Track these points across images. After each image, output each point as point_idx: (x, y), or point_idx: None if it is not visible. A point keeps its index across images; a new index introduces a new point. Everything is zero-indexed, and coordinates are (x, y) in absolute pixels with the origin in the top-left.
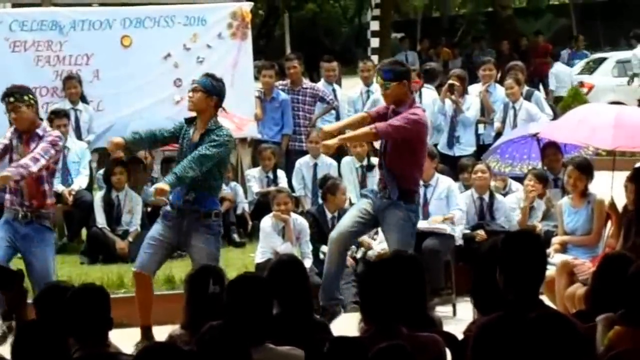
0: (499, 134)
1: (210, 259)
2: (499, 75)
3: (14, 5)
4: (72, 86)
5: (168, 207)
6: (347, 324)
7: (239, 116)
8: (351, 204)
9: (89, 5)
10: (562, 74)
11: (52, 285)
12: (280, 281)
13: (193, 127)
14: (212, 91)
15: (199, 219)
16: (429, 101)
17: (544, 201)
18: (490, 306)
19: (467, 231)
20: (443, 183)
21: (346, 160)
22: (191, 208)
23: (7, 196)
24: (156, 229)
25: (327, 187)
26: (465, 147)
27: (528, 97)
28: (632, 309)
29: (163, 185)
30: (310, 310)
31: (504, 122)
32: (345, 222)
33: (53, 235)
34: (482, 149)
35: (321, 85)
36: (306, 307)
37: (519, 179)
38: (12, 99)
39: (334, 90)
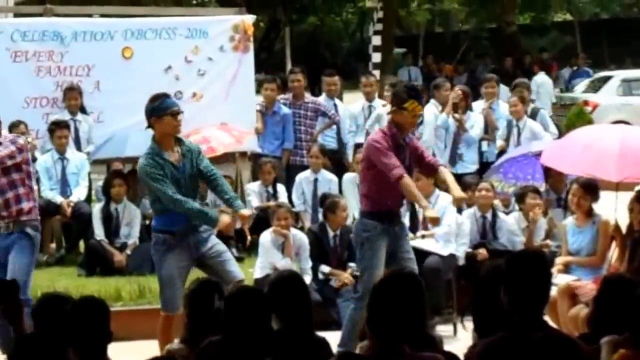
0: (501, 152)
1: (228, 251)
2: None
3: (16, 15)
4: (72, 97)
5: (163, 235)
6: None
7: (238, 129)
8: (354, 220)
9: (91, 16)
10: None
11: (51, 297)
12: (280, 297)
13: (163, 152)
14: None
15: (199, 230)
16: (431, 118)
17: (546, 220)
18: (491, 327)
19: (469, 250)
20: (442, 200)
21: (348, 176)
22: (193, 224)
23: None
24: (171, 265)
25: (326, 206)
26: (468, 164)
27: (533, 116)
28: (638, 332)
29: (247, 211)
30: (310, 326)
31: (507, 140)
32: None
33: (33, 242)
34: (485, 167)
35: (322, 99)
36: (306, 324)
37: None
38: None
39: (335, 105)
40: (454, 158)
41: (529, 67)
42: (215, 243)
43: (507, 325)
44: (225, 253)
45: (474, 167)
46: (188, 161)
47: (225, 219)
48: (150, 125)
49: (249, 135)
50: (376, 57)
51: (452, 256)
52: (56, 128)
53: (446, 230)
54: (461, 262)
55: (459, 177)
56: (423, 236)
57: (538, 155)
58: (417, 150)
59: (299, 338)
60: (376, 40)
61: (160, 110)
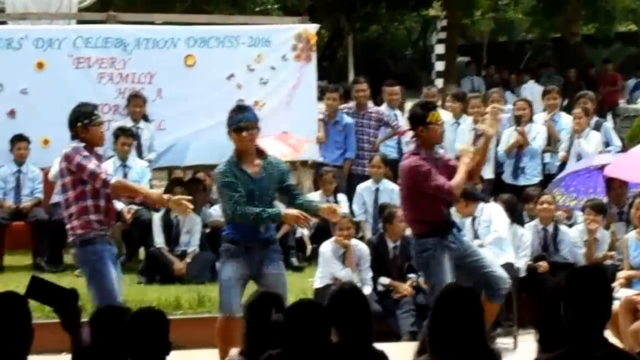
0: (563, 164)
1: (285, 283)
2: (564, 103)
3: (79, 22)
4: (137, 105)
5: (229, 244)
6: (403, 353)
7: (296, 137)
8: None
9: (154, 23)
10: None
11: (109, 307)
12: (340, 311)
13: (241, 162)
14: (258, 122)
15: (270, 247)
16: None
17: (609, 233)
18: (555, 343)
19: (530, 262)
20: (487, 209)
21: None
22: (263, 239)
23: (93, 216)
24: (231, 270)
25: (384, 216)
26: (531, 177)
27: (597, 128)
28: None
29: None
30: (370, 339)
31: (569, 151)
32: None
33: None
34: (547, 179)
35: (384, 109)
36: (366, 337)
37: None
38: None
39: (395, 115)
40: (517, 171)
41: (593, 78)
42: (278, 273)
43: (568, 341)
44: (282, 286)
45: (536, 179)
46: (267, 176)
47: (289, 211)
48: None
49: (307, 143)
50: (439, 66)
51: (513, 268)
52: (121, 134)
53: (495, 237)
54: (522, 274)
55: (521, 189)
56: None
57: (600, 168)
58: (449, 162)
59: (357, 351)
60: (439, 49)
61: (230, 124)
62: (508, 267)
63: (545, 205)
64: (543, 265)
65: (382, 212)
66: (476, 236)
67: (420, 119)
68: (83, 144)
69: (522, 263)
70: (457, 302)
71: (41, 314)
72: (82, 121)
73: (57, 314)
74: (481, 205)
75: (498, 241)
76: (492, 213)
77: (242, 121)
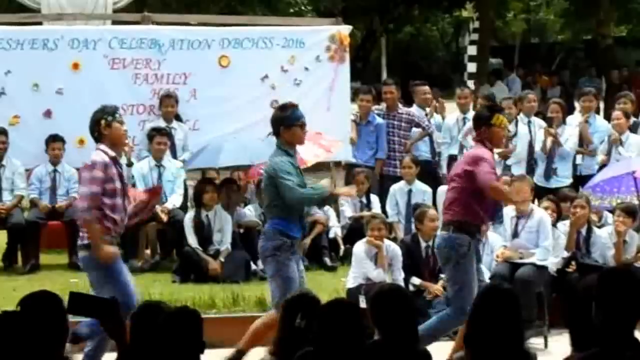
0: (602, 166)
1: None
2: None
3: (114, 23)
4: (169, 104)
5: (284, 238)
6: (436, 354)
7: (328, 138)
8: None
9: (188, 24)
10: None
11: (150, 305)
12: (383, 310)
13: (293, 158)
14: None
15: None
16: (525, 130)
17: (639, 235)
18: (587, 343)
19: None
20: (537, 215)
21: (443, 189)
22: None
23: (117, 216)
24: (294, 267)
25: (415, 216)
26: (562, 179)
27: (633, 129)
28: None
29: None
30: (414, 339)
31: (608, 154)
32: None
33: None
34: (579, 180)
35: (415, 109)
36: (410, 337)
37: (613, 212)
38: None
39: (426, 115)
40: (549, 172)
41: (626, 80)
42: (302, 270)
43: (599, 342)
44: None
45: (568, 181)
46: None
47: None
48: (277, 134)
49: (338, 143)
50: (471, 67)
51: (545, 268)
52: (156, 134)
53: (540, 252)
54: (552, 274)
55: (553, 192)
56: (521, 257)
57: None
58: None
59: (400, 351)
60: (472, 50)
61: (291, 120)
62: (542, 269)
63: (578, 210)
64: (570, 266)
65: (415, 212)
66: (515, 233)
67: (485, 120)
68: (106, 156)
69: (555, 263)
70: (497, 303)
71: None
72: (106, 118)
73: (102, 325)
74: (532, 206)
75: (545, 253)
76: (542, 223)
77: (303, 118)
